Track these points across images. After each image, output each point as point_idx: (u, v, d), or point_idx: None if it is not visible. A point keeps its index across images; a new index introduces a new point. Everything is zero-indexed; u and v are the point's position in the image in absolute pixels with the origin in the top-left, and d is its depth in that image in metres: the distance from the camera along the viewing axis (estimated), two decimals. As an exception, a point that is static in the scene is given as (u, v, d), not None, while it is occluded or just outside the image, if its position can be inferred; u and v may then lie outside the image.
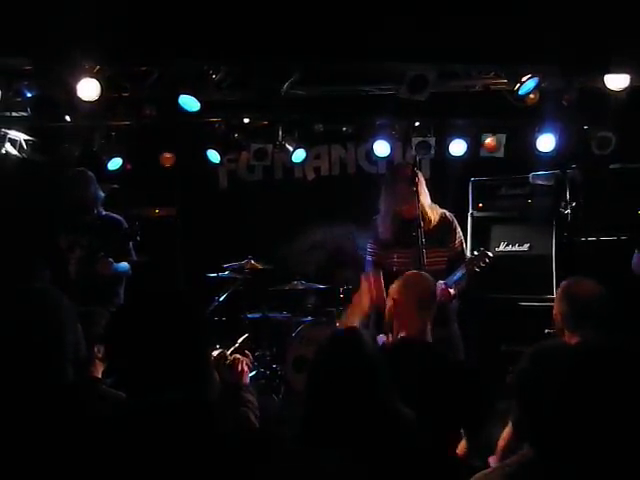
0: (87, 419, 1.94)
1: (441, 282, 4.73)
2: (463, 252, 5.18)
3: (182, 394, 1.92)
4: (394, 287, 3.79)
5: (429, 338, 3.61)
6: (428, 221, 4.94)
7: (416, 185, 4.85)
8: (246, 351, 3.28)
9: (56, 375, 2.13)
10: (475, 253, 4.99)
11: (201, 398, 1.97)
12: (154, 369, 2.00)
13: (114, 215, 5.49)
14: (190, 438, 1.80)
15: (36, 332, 2.15)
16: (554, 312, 3.52)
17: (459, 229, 5.17)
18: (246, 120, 6.68)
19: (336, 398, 2.43)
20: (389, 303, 3.76)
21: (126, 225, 5.40)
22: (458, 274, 4.94)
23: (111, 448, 1.71)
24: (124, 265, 5.38)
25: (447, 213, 5.14)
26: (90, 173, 5.56)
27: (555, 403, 1.82)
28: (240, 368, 3.09)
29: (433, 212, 5.01)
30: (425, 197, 4.99)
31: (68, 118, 5.81)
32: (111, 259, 5.16)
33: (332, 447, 2.30)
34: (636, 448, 1.62)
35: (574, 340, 3.34)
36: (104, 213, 5.47)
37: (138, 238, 5.32)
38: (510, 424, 2.90)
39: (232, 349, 3.35)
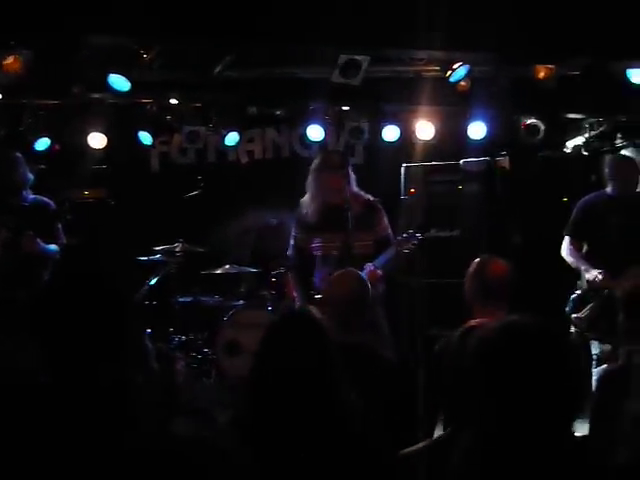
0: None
1: (369, 264, 4.78)
2: (389, 236, 5.25)
3: (107, 375, 1.89)
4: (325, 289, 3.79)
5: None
6: (353, 207, 5.00)
7: (344, 172, 4.91)
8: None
9: None
10: (404, 235, 5.07)
11: (126, 379, 1.93)
12: (78, 351, 1.96)
13: (42, 198, 5.38)
14: (113, 420, 1.76)
15: None
16: (465, 287, 3.61)
17: (384, 213, 5.26)
18: (176, 101, 6.58)
19: (284, 381, 2.36)
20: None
21: (54, 207, 5.29)
22: (387, 256, 5.01)
23: (24, 429, 1.67)
24: (52, 247, 5.27)
25: (371, 198, 5.22)
26: (18, 154, 5.42)
27: (470, 381, 1.87)
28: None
29: (358, 198, 5.09)
30: (352, 183, 5.06)
31: None
32: (38, 238, 5.05)
33: (275, 433, 2.26)
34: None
35: (481, 315, 3.46)
36: (32, 196, 5.35)
37: (67, 218, 5.22)
38: None
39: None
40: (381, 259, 4.98)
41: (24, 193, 5.29)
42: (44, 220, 5.17)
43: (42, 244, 5.11)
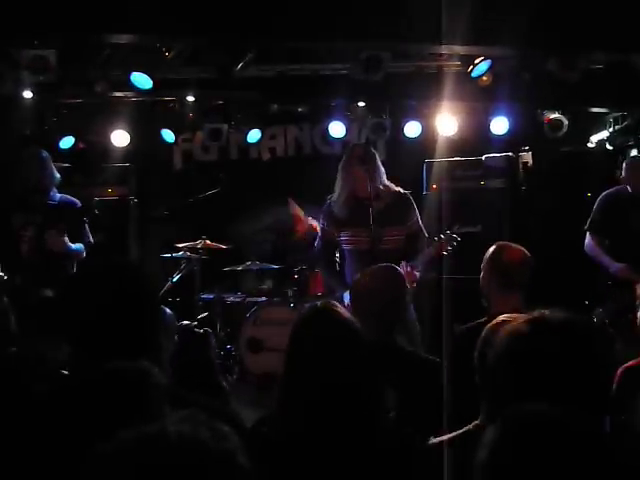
0: (23, 388, 1.91)
1: (405, 263, 4.69)
2: (421, 230, 5.17)
3: (131, 364, 1.90)
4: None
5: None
6: (382, 200, 4.93)
7: (370, 164, 4.84)
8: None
9: None
10: (442, 236, 4.98)
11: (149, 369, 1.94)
12: (102, 339, 1.98)
13: (69, 197, 5.42)
14: (138, 408, 1.77)
15: None
16: (481, 276, 3.57)
17: (415, 206, 5.16)
18: (199, 99, 6.62)
19: (316, 374, 2.31)
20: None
21: (80, 206, 5.33)
22: (424, 258, 4.94)
23: (52, 417, 1.68)
24: (79, 245, 5.31)
25: (402, 191, 5.13)
26: (45, 153, 5.48)
27: (499, 376, 1.86)
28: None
29: (388, 190, 5.01)
30: (380, 176, 4.97)
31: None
32: (65, 237, 5.08)
33: (310, 428, 2.23)
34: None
35: (497, 303, 3.41)
36: (59, 195, 5.39)
37: (96, 214, 5.25)
38: None
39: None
40: (419, 260, 4.88)
41: (51, 192, 5.33)
42: (71, 219, 5.19)
43: (68, 242, 5.14)
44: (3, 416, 1.83)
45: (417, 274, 4.80)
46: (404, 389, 3.03)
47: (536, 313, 1.94)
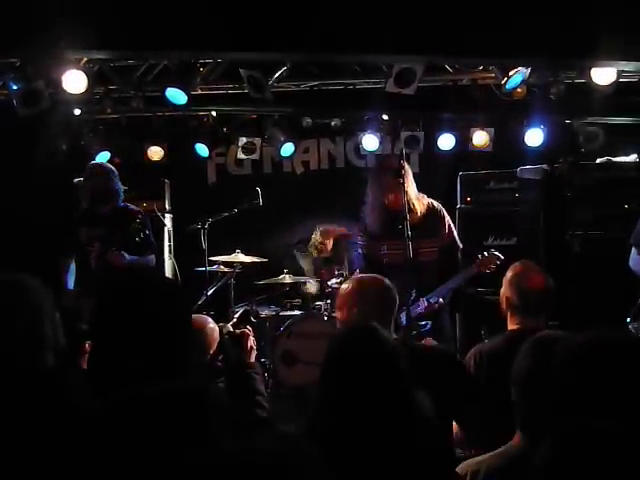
0: (66, 405, 1.91)
1: (423, 300, 4.72)
2: (455, 241, 5.14)
3: (168, 384, 1.89)
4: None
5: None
6: (415, 212, 4.90)
7: (402, 176, 4.81)
8: (248, 326, 3.00)
9: (33, 361, 2.12)
10: (485, 254, 4.93)
11: (193, 386, 1.92)
12: (137, 360, 1.98)
13: (131, 207, 5.48)
14: (179, 429, 1.75)
15: (10, 317, 2.13)
16: (501, 293, 3.55)
17: (448, 218, 5.13)
18: (233, 114, 6.68)
19: (354, 392, 2.26)
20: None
21: (143, 216, 5.36)
22: (459, 278, 4.94)
23: (94, 438, 1.68)
24: (147, 257, 5.34)
25: (434, 203, 5.11)
26: (111, 166, 5.57)
27: (555, 393, 1.83)
28: (249, 344, 2.84)
29: (420, 203, 4.98)
30: (412, 188, 4.95)
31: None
32: (123, 252, 5.10)
33: (347, 443, 2.19)
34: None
35: (515, 324, 3.44)
36: (122, 205, 5.45)
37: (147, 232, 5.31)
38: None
39: (232, 323, 3.09)
40: (451, 283, 4.86)
41: (117, 204, 5.39)
42: (133, 228, 5.20)
43: (127, 257, 5.14)
44: (52, 434, 1.84)
45: (436, 306, 4.80)
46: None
47: (591, 331, 1.91)
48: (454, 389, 3.13)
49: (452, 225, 5.16)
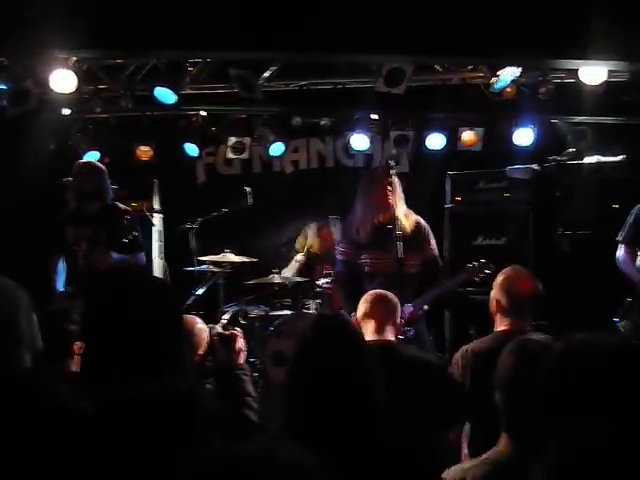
0: (44, 406, 1.89)
1: (409, 305, 4.76)
2: (437, 259, 5.25)
3: (157, 385, 1.88)
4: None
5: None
6: (403, 227, 4.95)
7: (392, 191, 4.87)
8: (236, 327, 2.99)
9: (9, 361, 2.10)
10: (475, 264, 4.98)
11: (181, 388, 1.91)
12: (127, 361, 1.97)
13: (119, 205, 5.41)
14: (168, 430, 1.74)
15: None
16: (491, 296, 3.62)
17: (432, 235, 5.23)
18: (222, 113, 6.67)
19: (322, 387, 2.28)
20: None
21: (132, 215, 5.31)
22: (444, 287, 5.02)
23: (77, 439, 1.67)
24: (138, 255, 5.28)
25: (421, 221, 5.18)
26: (99, 164, 5.53)
27: (541, 397, 1.83)
28: (238, 346, 2.83)
29: (408, 219, 5.05)
30: (401, 203, 5.01)
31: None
32: (111, 252, 5.04)
33: (315, 440, 2.20)
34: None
35: (503, 325, 3.53)
36: (110, 204, 5.39)
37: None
38: None
39: (221, 324, 3.10)
40: (433, 292, 4.93)
41: (104, 203, 5.34)
42: (120, 227, 5.13)
43: (115, 256, 5.08)
44: (31, 434, 1.82)
45: (420, 313, 4.88)
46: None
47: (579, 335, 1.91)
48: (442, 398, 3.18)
49: (435, 244, 5.25)
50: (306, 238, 7.27)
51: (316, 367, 2.32)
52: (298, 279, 6.90)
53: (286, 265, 7.19)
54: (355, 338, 2.43)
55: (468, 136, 6.61)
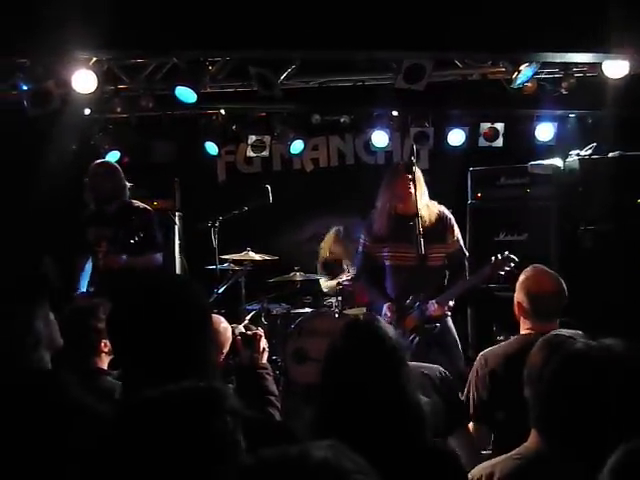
0: (64, 405, 1.89)
1: (433, 302, 4.75)
2: (462, 249, 5.18)
3: (185, 384, 1.88)
4: None
5: None
6: (425, 219, 4.90)
7: (414, 183, 4.81)
8: (259, 327, 3.03)
9: (28, 360, 2.11)
10: (499, 256, 4.90)
11: (204, 387, 1.90)
12: (155, 359, 1.97)
13: (138, 204, 5.43)
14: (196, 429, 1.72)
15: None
16: (514, 298, 3.55)
17: (456, 226, 5.14)
18: (242, 112, 6.68)
19: (355, 388, 2.26)
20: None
21: (151, 213, 5.33)
22: (469, 282, 4.98)
23: (97, 439, 1.66)
24: (155, 256, 5.29)
25: (445, 211, 5.12)
26: (112, 162, 5.56)
27: (572, 396, 1.81)
28: (261, 346, 2.84)
29: (430, 210, 5.00)
30: (423, 195, 4.96)
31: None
32: (122, 253, 5.06)
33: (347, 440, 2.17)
34: None
35: (526, 328, 3.47)
36: (128, 203, 5.41)
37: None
38: None
39: (244, 324, 3.11)
40: (458, 288, 4.91)
41: (122, 201, 5.36)
42: (128, 229, 5.16)
43: (124, 258, 5.09)
44: (50, 434, 1.82)
45: (445, 308, 4.85)
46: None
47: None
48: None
49: (459, 234, 5.17)
50: (330, 243, 7.27)
51: (347, 380, 2.28)
52: (320, 277, 6.92)
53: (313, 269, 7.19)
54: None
55: (489, 132, 6.57)
